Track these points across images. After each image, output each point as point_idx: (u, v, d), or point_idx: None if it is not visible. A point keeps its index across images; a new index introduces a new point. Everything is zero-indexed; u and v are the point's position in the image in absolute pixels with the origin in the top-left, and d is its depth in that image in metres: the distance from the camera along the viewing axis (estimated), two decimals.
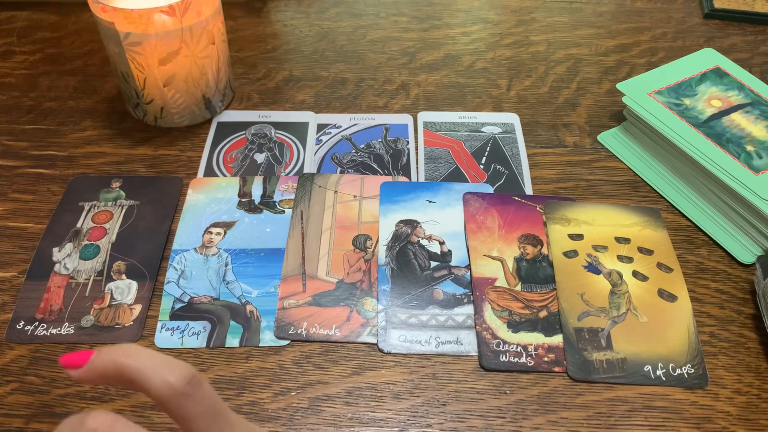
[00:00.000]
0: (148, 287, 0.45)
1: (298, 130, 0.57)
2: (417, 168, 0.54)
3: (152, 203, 0.50)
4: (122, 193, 0.51)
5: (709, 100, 0.53)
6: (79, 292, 0.45)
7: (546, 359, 0.41)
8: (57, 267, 0.46)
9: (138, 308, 0.44)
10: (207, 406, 0.23)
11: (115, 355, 0.23)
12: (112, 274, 0.46)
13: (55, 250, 0.47)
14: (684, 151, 0.49)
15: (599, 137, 0.57)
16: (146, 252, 0.47)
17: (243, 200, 0.51)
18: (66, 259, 0.46)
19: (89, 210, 0.50)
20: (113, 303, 0.44)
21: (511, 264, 0.46)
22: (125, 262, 0.46)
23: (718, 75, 0.55)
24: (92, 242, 0.47)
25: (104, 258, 0.46)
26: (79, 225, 0.49)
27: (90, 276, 0.45)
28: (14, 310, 0.43)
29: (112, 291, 0.45)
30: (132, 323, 0.43)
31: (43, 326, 0.43)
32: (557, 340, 0.42)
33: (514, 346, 0.42)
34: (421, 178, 0.53)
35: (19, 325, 0.43)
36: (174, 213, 0.50)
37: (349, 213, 0.50)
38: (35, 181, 0.52)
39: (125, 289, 0.45)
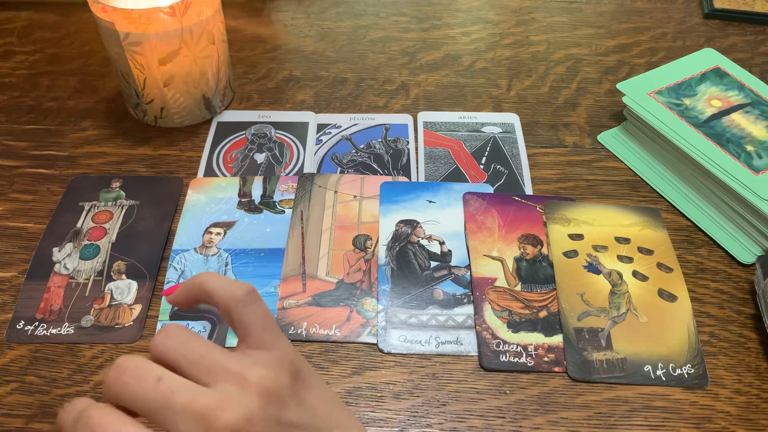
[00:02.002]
0: (148, 287, 0.45)
1: (298, 130, 0.57)
2: (417, 168, 0.54)
3: (152, 203, 0.50)
4: (122, 193, 0.51)
5: (709, 100, 0.53)
6: (79, 292, 0.45)
7: (546, 359, 0.41)
8: (57, 267, 0.46)
9: (138, 308, 0.44)
10: (260, 317, 0.29)
11: (197, 279, 0.30)
12: (112, 274, 0.46)
13: (55, 250, 0.47)
14: (684, 151, 0.49)
15: (599, 137, 0.57)
16: (146, 252, 0.47)
17: (243, 200, 0.51)
18: (66, 259, 0.46)
19: (89, 210, 0.50)
20: (113, 303, 0.44)
21: (511, 264, 0.46)
22: (125, 262, 0.46)
23: (718, 75, 0.55)
24: (92, 242, 0.47)
25: (104, 258, 0.46)
26: (79, 225, 0.49)
27: (90, 276, 0.45)
28: (14, 310, 0.43)
29: (112, 291, 0.45)
30: (132, 323, 0.43)
31: (43, 326, 0.43)
32: (557, 340, 0.42)
33: (514, 346, 0.42)
34: (421, 178, 0.53)
35: (19, 325, 0.43)
36: (174, 213, 0.50)
37: (349, 213, 0.50)
38: (35, 181, 0.52)
39: (125, 289, 0.45)
